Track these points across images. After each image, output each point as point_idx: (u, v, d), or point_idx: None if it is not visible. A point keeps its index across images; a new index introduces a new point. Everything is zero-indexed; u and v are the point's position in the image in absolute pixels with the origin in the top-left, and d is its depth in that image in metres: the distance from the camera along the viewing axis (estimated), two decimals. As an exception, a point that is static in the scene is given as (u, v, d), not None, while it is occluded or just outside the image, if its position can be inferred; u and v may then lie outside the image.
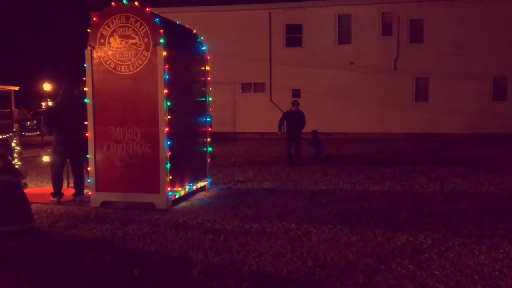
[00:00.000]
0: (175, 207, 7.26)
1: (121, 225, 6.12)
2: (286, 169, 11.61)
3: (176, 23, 8.17)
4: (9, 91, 15.90)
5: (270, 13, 23.63)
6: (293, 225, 6.01)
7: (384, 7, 22.78)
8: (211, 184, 9.01)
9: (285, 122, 12.49)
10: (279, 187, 9.03)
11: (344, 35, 23.29)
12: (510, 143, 18.82)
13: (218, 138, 21.16)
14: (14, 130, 14.70)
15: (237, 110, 24.24)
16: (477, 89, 21.94)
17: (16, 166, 6.81)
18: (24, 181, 7.29)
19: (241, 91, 24.40)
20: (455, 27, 21.99)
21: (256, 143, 20.18)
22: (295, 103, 12.72)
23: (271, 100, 24.01)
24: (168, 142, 7.02)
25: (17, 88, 16.79)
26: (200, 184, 8.46)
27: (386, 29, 22.91)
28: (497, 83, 22.09)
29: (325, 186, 9.05)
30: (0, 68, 39.55)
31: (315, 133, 13.21)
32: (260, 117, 23.73)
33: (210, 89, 8.86)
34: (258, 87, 24.34)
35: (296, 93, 23.63)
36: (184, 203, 7.51)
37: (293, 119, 12.32)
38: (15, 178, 5.65)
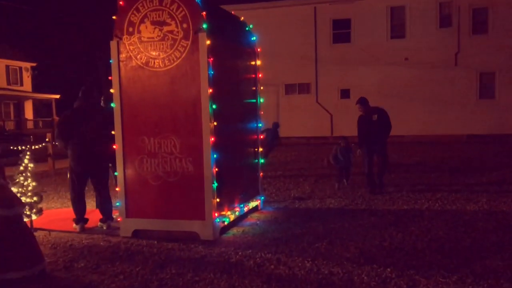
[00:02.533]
0: (224, 236, 5.74)
1: (156, 267, 4.64)
2: (350, 180, 9.91)
3: (219, 7, 6.70)
4: (50, 99, 15.02)
5: (315, 8, 21.97)
6: (388, 270, 4.35)
7: (442, -4, 20.67)
8: (264, 202, 7.46)
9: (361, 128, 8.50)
10: (348, 206, 7.36)
11: (397, 29, 21.32)
12: None
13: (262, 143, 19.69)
14: (47, 139, 13.79)
15: (280, 113, 22.65)
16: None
17: (17, 192, 5.49)
18: (40, 205, 5.96)
19: (284, 93, 22.82)
20: (524, 15, 19.62)
21: (302, 149, 18.52)
22: (362, 102, 8.46)
23: (317, 101, 22.33)
24: (215, 155, 5.52)
25: (58, 96, 15.88)
26: (252, 204, 6.92)
27: (445, 21, 20.78)
28: None
29: (405, 204, 7.31)
30: (41, 76, 39.64)
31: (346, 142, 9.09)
32: (305, 121, 22.08)
33: (262, 88, 7.32)
34: (303, 88, 22.69)
35: (345, 93, 21.86)
36: (234, 230, 5.99)
37: (369, 123, 8.26)
38: (11, 210, 4.25)
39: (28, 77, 38.02)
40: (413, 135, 20.51)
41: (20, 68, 37.82)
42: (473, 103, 20.48)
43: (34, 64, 38.68)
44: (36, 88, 38.05)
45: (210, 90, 5.46)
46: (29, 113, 36.84)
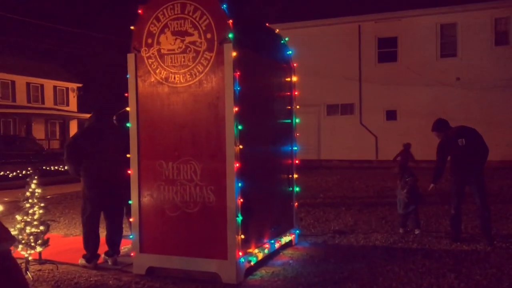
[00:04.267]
0: (250, 279, 4.92)
1: (165, 319, 3.88)
2: (396, 209, 8.86)
3: (251, 17, 6.02)
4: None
5: (359, 26, 21.08)
6: None
7: (498, 12, 19.28)
8: (299, 236, 6.58)
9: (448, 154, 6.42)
10: (397, 243, 6.37)
11: (448, 47, 20.05)
12: None
13: (301, 166, 18.80)
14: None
15: (322, 134, 21.71)
16: None
17: (21, 220, 4.91)
18: (47, 235, 5.35)
19: (326, 113, 21.88)
20: None
21: (345, 173, 17.46)
22: (439, 128, 6.50)
23: (361, 123, 21.24)
24: (239, 184, 4.76)
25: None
26: (285, 239, 6.06)
27: (501, 38, 19.35)
28: None
29: (465, 244, 6.24)
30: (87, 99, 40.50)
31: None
32: (348, 143, 21.00)
33: (298, 107, 6.53)
34: (346, 109, 21.68)
35: (391, 114, 20.69)
36: (263, 271, 5.15)
37: (459, 147, 6.25)
38: None
39: (74, 97, 39.03)
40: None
41: (67, 88, 38.90)
42: (532, 126, 18.81)
43: (80, 85, 39.71)
44: (81, 108, 38.96)
45: (236, 109, 4.73)
46: (74, 132, 37.67)
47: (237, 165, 4.73)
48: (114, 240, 5.54)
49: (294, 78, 6.46)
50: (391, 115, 20.63)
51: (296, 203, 6.54)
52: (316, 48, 21.06)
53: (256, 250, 5.17)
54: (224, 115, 4.75)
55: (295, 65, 6.48)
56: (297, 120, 6.56)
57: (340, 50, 21.11)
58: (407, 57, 20.47)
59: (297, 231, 6.47)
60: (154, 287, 4.73)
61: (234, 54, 4.72)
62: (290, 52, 6.45)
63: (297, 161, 6.55)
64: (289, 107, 6.40)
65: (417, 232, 6.83)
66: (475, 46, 19.51)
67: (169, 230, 5.01)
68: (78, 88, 39.87)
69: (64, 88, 38.72)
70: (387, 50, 20.89)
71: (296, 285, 4.68)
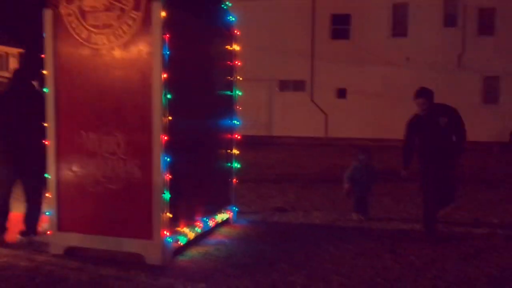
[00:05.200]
0: (179, 259, 4.59)
1: (74, 306, 3.50)
2: (340, 187, 8.77)
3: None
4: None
5: (313, 0, 20.76)
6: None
7: (448, -7, 19.55)
8: (237, 214, 6.30)
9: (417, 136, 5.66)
10: (336, 221, 6.23)
11: (399, 27, 20.20)
12: None
13: (251, 142, 18.54)
14: None
15: (273, 110, 21.51)
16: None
17: None
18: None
19: (278, 89, 21.65)
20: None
21: (294, 150, 17.39)
22: (426, 95, 5.43)
23: (312, 100, 21.18)
24: (167, 159, 4.37)
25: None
26: (222, 217, 5.77)
27: (450, 20, 19.68)
28: None
29: (403, 223, 6.18)
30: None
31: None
32: (299, 119, 20.94)
33: (240, 78, 6.16)
34: (298, 85, 21.52)
35: (341, 93, 20.76)
36: (194, 252, 4.83)
37: (431, 129, 5.47)
38: None
39: (15, 63, 36.73)
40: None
41: (7, 53, 36.56)
42: (476, 108, 19.37)
43: (21, 50, 37.40)
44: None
45: (165, 76, 4.30)
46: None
47: (165, 138, 4.33)
48: (30, 218, 5.03)
49: (236, 47, 6.05)
50: (341, 93, 20.69)
51: (236, 180, 6.23)
52: (269, 22, 20.66)
53: (187, 229, 4.84)
54: (151, 82, 4.31)
55: (237, 32, 6.05)
56: (239, 93, 6.18)
57: (293, 25, 20.80)
58: (360, 35, 20.47)
59: (235, 209, 6.18)
60: (69, 268, 4.31)
61: (163, 14, 4.25)
62: (232, 18, 6.02)
63: (237, 136, 6.20)
64: (230, 78, 6.01)
65: (362, 218, 6.23)
66: (425, 27, 19.74)
67: (90, 207, 4.57)
68: (20, 53, 37.51)
69: (3, 53, 36.34)
70: (340, 27, 20.79)
71: (228, 266, 4.40)
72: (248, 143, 18.73)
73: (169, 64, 4.34)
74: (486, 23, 19.39)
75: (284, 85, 21.61)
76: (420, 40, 19.73)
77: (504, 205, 7.30)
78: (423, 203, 5.67)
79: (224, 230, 5.69)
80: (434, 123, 5.38)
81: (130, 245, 4.44)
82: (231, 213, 6.04)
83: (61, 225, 4.66)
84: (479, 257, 4.69)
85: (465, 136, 5.46)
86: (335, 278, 4.10)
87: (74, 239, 4.64)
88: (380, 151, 16.77)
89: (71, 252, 4.64)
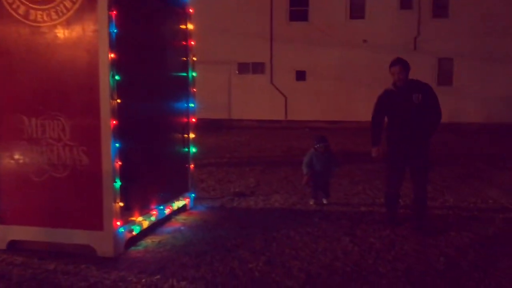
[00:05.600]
0: (132, 250, 4.38)
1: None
2: (300, 170, 8.72)
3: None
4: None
5: (271, -19, 20.50)
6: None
7: (404, -24, 19.72)
8: (196, 200, 6.12)
9: (385, 114, 5.05)
10: (296, 205, 6.15)
11: (356, 9, 20.21)
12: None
13: (210, 126, 18.28)
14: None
15: (232, 93, 21.24)
16: (507, 73, 19.03)
17: None
18: None
19: (237, 72, 21.36)
20: (485, 1, 18.96)
21: (254, 133, 17.27)
22: (403, 63, 4.87)
23: (271, 83, 21.04)
24: (117, 145, 4.11)
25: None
26: (178, 204, 5.56)
27: (406, 2, 19.87)
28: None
29: (362, 204, 6.18)
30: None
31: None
32: (259, 102, 20.79)
33: (195, 59, 5.90)
34: (257, 68, 21.29)
35: (300, 75, 20.69)
36: (148, 241, 4.62)
37: (403, 105, 4.86)
38: None
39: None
40: (369, 121, 19.67)
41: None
42: (431, 89, 19.83)
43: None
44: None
45: (112, 55, 4.01)
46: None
47: (115, 122, 4.07)
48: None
49: (191, 26, 5.77)
50: (301, 75, 20.63)
51: (193, 165, 6.02)
52: (227, 3, 20.26)
53: (141, 218, 4.61)
54: (98, 62, 4.01)
55: (191, 11, 5.77)
56: (194, 74, 5.93)
57: (252, 7, 20.46)
58: (318, 17, 20.39)
59: (193, 195, 5.99)
60: (14, 264, 4.02)
61: (109, -11, 3.95)
62: (187, -4, 5.73)
63: (194, 119, 5.97)
64: (185, 59, 5.74)
65: (325, 202, 6.13)
66: (381, 9, 19.87)
67: (34, 197, 4.27)
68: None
69: None
70: (299, 8, 20.62)
71: (184, 255, 4.23)
72: (207, 127, 18.52)
73: (117, 43, 4.06)
74: (440, 6, 19.72)
75: (243, 68, 21.33)
76: (377, 22, 19.88)
77: (459, 184, 7.46)
78: (384, 185, 5.42)
79: (181, 217, 5.49)
80: (407, 100, 4.75)
81: (80, 237, 4.19)
82: (189, 200, 5.84)
83: (3, 218, 4.35)
84: (437, 237, 4.72)
85: (440, 116, 4.88)
86: (295, 263, 4.01)
87: (18, 232, 4.34)
88: (338, 134, 16.92)
89: (14, 246, 4.34)
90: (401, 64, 4.82)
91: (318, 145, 6.06)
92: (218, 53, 20.50)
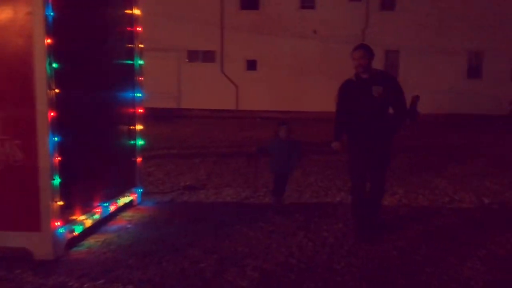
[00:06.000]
0: (74, 251, 4.07)
1: None
2: (252, 162, 8.59)
3: None
4: None
5: (222, -32, 20.13)
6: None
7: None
8: (143, 195, 5.83)
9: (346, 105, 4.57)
10: (248, 199, 6.01)
11: (307, -2, 20.29)
12: (489, 124, 16.84)
13: (159, 116, 17.78)
14: None
15: (182, 82, 20.78)
16: (451, 65, 19.81)
17: None
18: None
19: (187, 60, 20.90)
20: (431, -6, 19.59)
21: (205, 123, 16.98)
22: (361, 46, 4.57)
23: (222, 71, 20.76)
24: (56, 138, 3.78)
25: None
26: (125, 200, 5.27)
27: (355, -6, 20.18)
28: (472, 59, 20.07)
29: (314, 196, 6.13)
30: None
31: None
32: (209, 91, 20.47)
33: (141, 46, 5.57)
34: (207, 56, 20.93)
35: (251, 64, 20.55)
36: (91, 241, 4.33)
37: (360, 98, 4.43)
38: None
39: None
40: (319, 111, 19.86)
41: None
42: (378, 80, 20.30)
43: None
44: None
45: (49, 41, 3.66)
46: None
47: (53, 114, 3.73)
48: None
49: (137, 11, 5.44)
50: (252, 64, 20.49)
51: (140, 158, 5.72)
52: (177, -12, 19.73)
53: (83, 217, 4.31)
54: (33, 48, 3.65)
55: (138, -5, 5.43)
56: (141, 62, 5.61)
57: (202, -7, 20.04)
58: (269, 6, 20.28)
59: (140, 190, 5.70)
60: None
61: (44, -33, 3.59)
62: (132, -22, 5.38)
63: (141, 110, 5.66)
64: (130, 46, 5.41)
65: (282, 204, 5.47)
66: (331, 0, 20.02)
67: (-39, 197, 3.86)
68: None
69: None
70: (250, -4, 20.42)
71: (130, 255, 3.98)
72: (156, 117, 17.99)
73: (54, 28, 3.71)
74: (388, -1, 20.21)
75: (193, 56, 20.89)
76: (327, 13, 20.04)
77: (408, 175, 7.59)
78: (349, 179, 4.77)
79: (128, 214, 5.21)
80: (366, 93, 4.29)
81: (14, 239, 3.84)
82: (136, 195, 5.56)
83: None
84: (388, 230, 4.73)
85: (404, 110, 4.54)
86: (249, 262, 3.87)
87: None
88: (290, 123, 16.94)
89: None
90: (363, 49, 4.40)
91: (279, 127, 5.34)
92: (167, 40, 19.96)
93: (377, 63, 20.92)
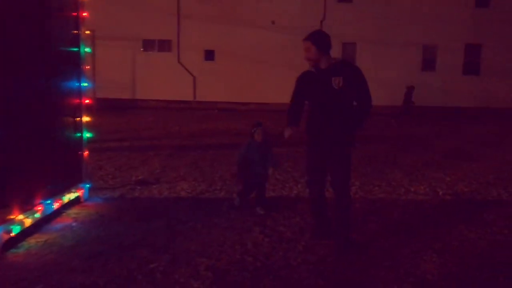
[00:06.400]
0: (11, 253, 3.75)
1: None
2: (209, 154, 8.38)
3: None
4: None
5: (178, -46, 19.56)
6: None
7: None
8: (91, 191, 5.51)
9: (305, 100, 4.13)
10: (204, 193, 5.80)
11: (265, -12, 20.06)
12: (442, 117, 17.34)
13: (112, 107, 17.21)
14: None
15: (137, 72, 20.14)
16: (406, 58, 20.17)
17: None
18: None
19: (142, 49, 20.26)
20: (386, -13, 19.83)
21: (161, 114, 16.57)
22: (308, 36, 3.93)
23: (179, 61, 20.26)
24: (-13, 131, 3.43)
25: None
26: (69, 197, 4.94)
27: (311, -15, 20.12)
28: (426, 52, 20.52)
29: (271, 189, 5.99)
30: None
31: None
32: (165, 82, 19.94)
33: (87, 32, 5.22)
34: (163, 46, 20.35)
35: (209, 54, 20.17)
36: (32, 242, 4.00)
37: (319, 90, 3.95)
38: None
39: None
40: (278, 103, 19.81)
41: None
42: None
43: None
44: None
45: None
46: None
47: (-18, 104, 3.38)
48: None
49: (82, -5, 5.08)
50: (209, 55, 20.12)
51: (87, 152, 5.39)
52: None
53: (22, 216, 3.97)
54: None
55: (82, -23, 5.07)
56: (88, 49, 5.26)
57: (158, -20, 19.43)
58: (227, -5, 19.92)
59: (88, 185, 5.38)
60: None
61: None
62: (76, -41, 5.00)
63: (87, 100, 5.32)
64: (75, 32, 5.04)
65: (261, 212, 4.92)
66: (287, -9, 19.92)
67: None
68: None
69: None
70: (208, -15, 19.97)
71: (73, 257, 3.70)
72: (108, 107, 17.41)
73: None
74: (345, -10, 20.30)
75: (149, 45, 20.26)
76: (284, 3, 19.90)
77: (364, 166, 7.60)
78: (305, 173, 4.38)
79: (73, 211, 4.89)
80: (326, 84, 3.83)
81: None
82: (83, 191, 5.23)
83: None
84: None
85: (369, 105, 3.89)
86: (202, 261, 3.67)
87: None
88: (249, 115, 16.81)
89: None
90: (309, 41, 3.86)
91: (254, 130, 5.00)
92: (121, 29, 19.28)
93: (334, 55, 20.90)
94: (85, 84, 5.22)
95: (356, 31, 20.01)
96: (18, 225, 3.90)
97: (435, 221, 4.84)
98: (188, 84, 20.31)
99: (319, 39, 3.89)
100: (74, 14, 5.00)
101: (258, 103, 19.22)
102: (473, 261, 3.78)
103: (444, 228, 4.59)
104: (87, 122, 5.31)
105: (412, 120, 15.79)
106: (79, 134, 5.19)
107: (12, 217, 3.85)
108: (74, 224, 4.51)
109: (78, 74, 5.09)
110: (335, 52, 21.49)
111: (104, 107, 15.34)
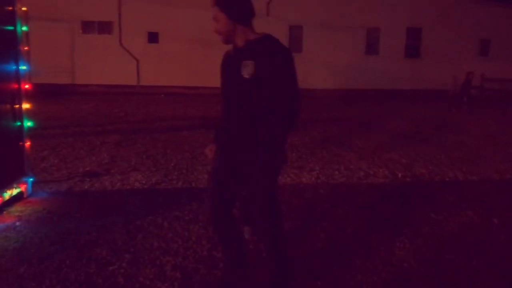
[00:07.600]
0: None
1: None
2: (160, 141, 7.97)
3: None
4: None
5: None
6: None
7: None
8: (35, 185, 5.00)
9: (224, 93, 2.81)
10: (160, 183, 5.45)
11: (210, -31, 19.46)
12: (386, 99, 17.76)
13: (51, 92, 16.16)
14: None
15: (76, 55, 19.01)
16: (350, 42, 20.42)
17: None
18: None
19: (81, 31, 19.11)
20: (332, -30, 19.87)
21: (103, 99, 15.76)
22: (216, 1, 2.71)
23: (120, 44, 19.33)
24: None
25: None
26: (11, 193, 4.44)
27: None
28: (370, 36, 20.87)
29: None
30: None
31: None
32: (106, 66, 18.98)
33: (24, 9, 4.66)
34: (104, 28, 19.30)
35: (153, 37, 19.38)
36: (-32, 247, 3.53)
37: (228, 80, 2.74)
38: None
39: None
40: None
41: None
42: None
43: None
44: None
45: None
46: None
47: None
48: None
49: (16, -33, 4.50)
50: (153, 37, 19.33)
51: (29, 142, 4.87)
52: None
53: (-45, 218, 3.48)
54: None
55: None
56: (25, 28, 4.71)
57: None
58: (170, -25, 19.15)
59: (31, 179, 4.87)
60: None
61: None
62: None
63: (27, 86, 4.78)
64: (10, 8, 4.48)
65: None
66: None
67: None
68: None
69: None
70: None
71: (20, 262, 3.29)
72: (47, 93, 16.36)
73: None
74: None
75: (88, 27, 19.13)
76: (231, -15, 19.46)
77: (321, 149, 7.52)
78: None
79: (17, 209, 4.40)
80: (235, 71, 2.65)
81: None
82: (26, 185, 4.73)
83: None
84: (313, 210, 4.51)
85: (297, 101, 2.65)
86: (168, 260, 3.38)
87: None
88: (196, 100, 16.39)
89: None
90: (218, 5, 2.73)
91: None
92: (58, 9, 18.09)
93: (282, 38, 20.87)
94: (24, 67, 4.68)
95: (302, 14, 19.97)
96: (-48, 229, 3.41)
97: (401, 204, 4.81)
98: (131, 68, 19.46)
99: (231, 3, 2.68)
100: (8, -12, 4.42)
101: (207, 87, 18.76)
102: (445, 245, 3.75)
103: (411, 211, 4.56)
104: (27, 109, 4.79)
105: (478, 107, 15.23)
106: (19, 123, 4.67)
107: None
108: (18, 223, 4.04)
109: (15, 55, 4.54)
110: (283, 36, 21.48)
111: (41, 93, 14.33)
